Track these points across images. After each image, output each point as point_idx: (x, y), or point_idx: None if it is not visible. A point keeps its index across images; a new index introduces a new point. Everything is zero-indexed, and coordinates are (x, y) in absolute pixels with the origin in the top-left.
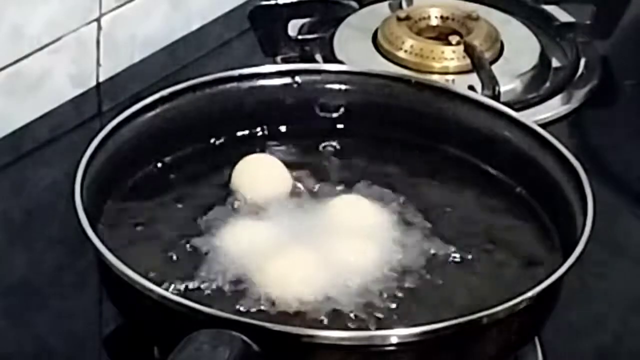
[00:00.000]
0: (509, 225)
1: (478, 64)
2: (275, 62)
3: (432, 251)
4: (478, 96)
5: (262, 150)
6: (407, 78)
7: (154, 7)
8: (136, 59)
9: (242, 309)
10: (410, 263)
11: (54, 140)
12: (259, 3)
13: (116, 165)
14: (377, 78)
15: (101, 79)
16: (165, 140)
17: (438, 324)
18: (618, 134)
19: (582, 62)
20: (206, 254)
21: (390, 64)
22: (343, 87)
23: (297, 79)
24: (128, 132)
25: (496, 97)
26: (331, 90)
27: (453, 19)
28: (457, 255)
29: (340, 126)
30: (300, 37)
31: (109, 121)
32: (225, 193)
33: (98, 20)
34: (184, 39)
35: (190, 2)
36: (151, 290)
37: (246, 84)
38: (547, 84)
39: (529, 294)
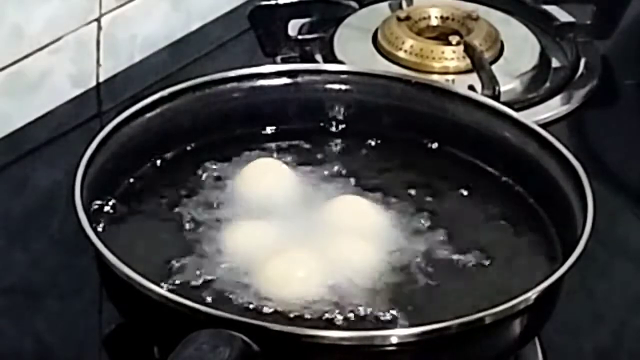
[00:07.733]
0: (509, 225)
1: (478, 64)
2: (275, 62)
3: (432, 251)
4: (478, 96)
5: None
6: (407, 78)
7: (154, 7)
8: (136, 59)
9: (242, 308)
10: (411, 263)
11: (54, 140)
12: (259, 3)
13: (116, 165)
14: (377, 78)
15: (101, 79)
16: (165, 140)
17: (438, 324)
18: (618, 134)
19: (582, 62)
20: (207, 253)
21: (390, 64)
22: (343, 87)
23: (297, 79)
24: (128, 132)
25: (496, 97)
26: (331, 90)
27: (453, 19)
28: (457, 256)
29: (340, 126)
30: (300, 37)
31: (109, 121)
32: (227, 193)
33: (98, 20)
34: (184, 39)
35: (190, 2)
36: (151, 290)
37: (246, 84)
38: (547, 84)
39: (529, 294)
